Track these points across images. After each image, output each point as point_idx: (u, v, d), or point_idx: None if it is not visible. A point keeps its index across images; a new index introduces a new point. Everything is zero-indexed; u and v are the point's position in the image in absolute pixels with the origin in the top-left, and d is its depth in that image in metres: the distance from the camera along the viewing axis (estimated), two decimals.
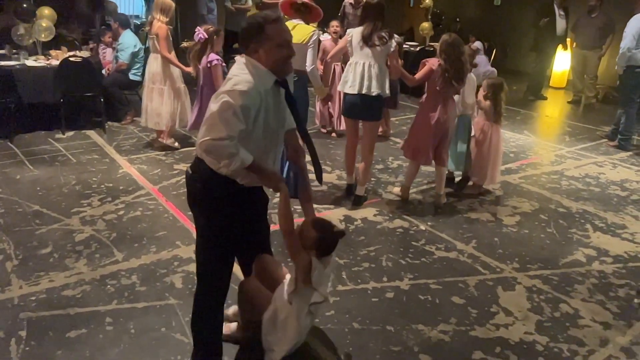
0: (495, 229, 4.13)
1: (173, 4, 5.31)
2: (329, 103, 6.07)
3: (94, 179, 4.72)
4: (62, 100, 5.86)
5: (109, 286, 3.11)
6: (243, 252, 2.46)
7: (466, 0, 12.02)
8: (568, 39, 8.83)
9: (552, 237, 4.03)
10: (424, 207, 4.50)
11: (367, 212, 4.29)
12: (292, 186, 3.96)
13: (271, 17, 2.14)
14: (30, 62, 5.99)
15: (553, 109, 8.73)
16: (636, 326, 2.98)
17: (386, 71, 4.13)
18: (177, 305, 2.95)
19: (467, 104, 4.58)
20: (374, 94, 4.05)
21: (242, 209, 2.27)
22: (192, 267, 2.85)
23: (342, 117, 5.11)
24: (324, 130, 6.44)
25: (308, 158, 2.48)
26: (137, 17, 10.89)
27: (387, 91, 4.15)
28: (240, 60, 2.17)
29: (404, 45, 8.20)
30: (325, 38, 6.39)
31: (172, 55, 5.25)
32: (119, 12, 9.39)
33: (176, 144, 5.60)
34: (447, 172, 4.64)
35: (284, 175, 4.10)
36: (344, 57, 4.99)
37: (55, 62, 5.97)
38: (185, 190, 2.31)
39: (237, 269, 2.50)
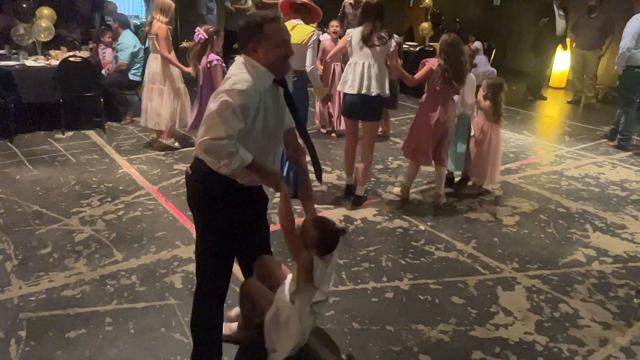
0: (494, 229, 4.13)
1: (173, 4, 5.31)
2: (329, 103, 6.07)
3: (93, 179, 4.72)
4: (61, 100, 5.86)
5: (108, 286, 3.11)
6: (243, 252, 2.46)
7: (466, 0, 12.02)
8: (568, 39, 8.83)
9: (552, 237, 4.03)
10: (424, 207, 4.50)
11: (367, 212, 4.29)
12: (291, 186, 3.97)
13: (269, 17, 2.14)
14: (30, 62, 5.99)
15: (553, 109, 8.73)
16: (636, 326, 2.99)
17: (386, 71, 4.13)
18: (176, 305, 2.95)
19: (466, 104, 4.58)
20: (373, 94, 4.05)
21: (242, 209, 2.27)
22: (192, 267, 2.86)
23: (342, 117, 5.12)
24: (323, 131, 6.44)
25: (308, 158, 2.48)
26: (136, 17, 10.90)
27: (387, 91, 4.16)
28: (238, 59, 2.18)
29: (404, 46, 8.19)
30: (325, 38, 6.39)
31: (172, 55, 5.25)
32: (118, 12, 9.40)
33: (176, 144, 5.61)
34: (446, 172, 4.64)
35: (284, 176, 4.10)
36: (343, 57, 4.99)
37: (54, 62, 5.97)
38: (185, 190, 2.31)
39: (237, 269, 2.50)
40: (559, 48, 8.90)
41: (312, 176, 2.53)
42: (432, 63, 4.16)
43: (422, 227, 4.09)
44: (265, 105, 2.13)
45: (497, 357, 2.69)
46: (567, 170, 5.56)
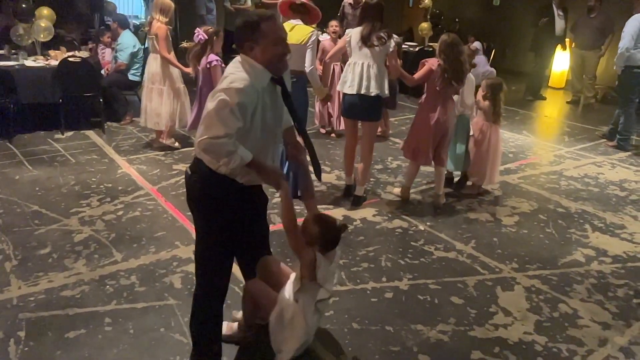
0: (494, 229, 4.13)
1: (172, 4, 5.31)
2: (329, 103, 6.07)
3: (93, 179, 4.71)
4: (61, 100, 5.86)
5: (108, 286, 3.11)
6: (243, 252, 2.46)
7: (465, 1, 12.02)
8: (567, 39, 8.84)
9: (551, 237, 4.03)
10: (423, 207, 4.50)
11: (366, 213, 4.29)
12: (291, 186, 3.96)
13: (266, 15, 2.14)
14: (29, 62, 5.99)
15: (552, 109, 8.73)
16: (635, 326, 2.99)
17: (385, 71, 4.13)
18: (176, 305, 2.95)
19: (466, 104, 4.58)
20: (372, 94, 4.05)
21: (241, 209, 2.27)
22: (191, 268, 2.85)
23: (341, 118, 5.12)
24: (323, 131, 6.44)
25: (308, 158, 2.48)
26: (136, 17, 10.91)
27: (386, 91, 4.16)
28: (236, 58, 2.18)
29: (403, 46, 8.20)
30: (324, 38, 6.39)
31: (172, 56, 5.25)
32: (118, 12, 9.40)
33: (176, 144, 5.61)
34: (446, 172, 4.64)
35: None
36: (343, 57, 4.99)
37: (54, 63, 5.97)
38: (185, 190, 2.32)
39: (236, 269, 2.50)
40: (559, 48, 8.90)
41: (312, 176, 2.53)
42: (432, 63, 4.16)
43: (421, 227, 4.09)
44: (263, 103, 2.13)
45: (496, 357, 2.69)
46: (566, 171, 5.56)
